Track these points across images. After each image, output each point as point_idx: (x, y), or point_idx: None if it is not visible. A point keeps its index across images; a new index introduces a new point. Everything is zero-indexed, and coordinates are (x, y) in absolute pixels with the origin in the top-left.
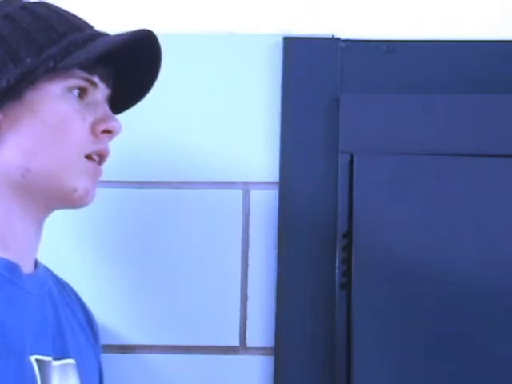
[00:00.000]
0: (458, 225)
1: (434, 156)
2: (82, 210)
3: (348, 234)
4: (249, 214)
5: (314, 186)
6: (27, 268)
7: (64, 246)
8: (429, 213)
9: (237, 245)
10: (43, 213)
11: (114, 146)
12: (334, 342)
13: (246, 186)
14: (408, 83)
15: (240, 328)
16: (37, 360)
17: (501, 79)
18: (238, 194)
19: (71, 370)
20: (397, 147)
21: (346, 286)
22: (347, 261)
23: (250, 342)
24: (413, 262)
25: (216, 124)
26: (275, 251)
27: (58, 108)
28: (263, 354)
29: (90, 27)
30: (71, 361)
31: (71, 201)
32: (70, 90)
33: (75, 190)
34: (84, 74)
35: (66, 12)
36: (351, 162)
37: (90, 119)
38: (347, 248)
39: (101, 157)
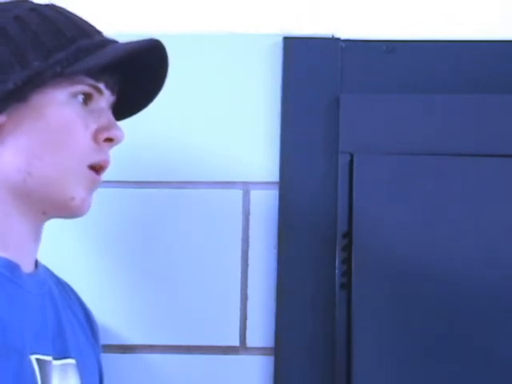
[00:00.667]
0: (457, 225)
1: (433, 156)
2: None
3: (348, 234)
4: (249, 214)
5: (314, 186)
6: (27, 268)
7: (64, 246)
8: (429, 213)
9: (237, 245)
10: (41, 218)
11: (114, 146)
12: (333, 342)
13: (246, 186)
14: (408, 83)
15: (240, 328)
16: (37, 359)
17: (501, 79)
18: (237, 194)
19: (71, 370)
20: (397, 147)
21: (346, 285)
22: (347, 261)
23: (250, 342)
24: (413, 261)
25: (216, 124)
26: (275, 251)
27: (62, 113)
28: (263, 354)
29: (99, 33)
30: (71, 360)
31: (68, 209)
32: (75, 95)
33: (73, 198)
34: (90, 81)
35: (75, 16)
36: (351, 161)
37: (93, 126)
38: (347, 248)
39: (101, 168)
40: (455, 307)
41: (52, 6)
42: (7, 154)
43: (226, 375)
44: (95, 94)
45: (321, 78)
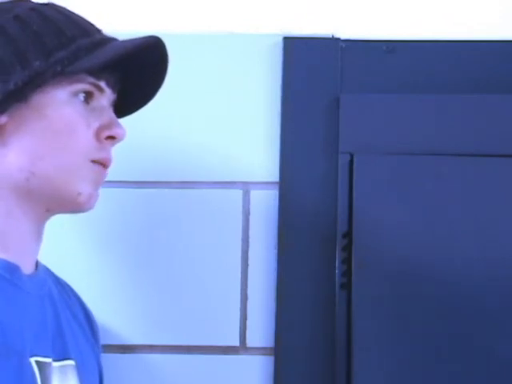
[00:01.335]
0: (457, 225)
1: (433, 156)
2: None
3: (348, 234)
4: (249, 214)
5: (314, 186)
6: (27, 269)
7: (64, 246)
8: (429, 213)
9: (237, 245)
10: (44, 216)
11: (114, 146)
12: (333, 342)
13: (246, 186)
14: (408, 83)
15: (240, 328)
16: (37, 361)
17: (501, 79)
18: (237, 194)
19: (71, 371)
20: (397, 147)
21: (346, 285)
22: (347, 261)
23: (250, 342)
24: (413, 261)
25: (216, 124)
26: (275, 251)
27: (64, 112)
28: (263, 354)
29: (99, 31)
30: (71, 362)
31: (75, 205)
32: (76, 94)
33: (79, 194)
34: (91, 79)
35: (75, 15)
36: (351, 161)
37: (94, 125)
38: (347, 248)
39: (103, 165)
40: (455, 307)
41: (52, 5)
42: (10, 154)
43: (225, 375)
44: (96, 93)
45: (321, 78)
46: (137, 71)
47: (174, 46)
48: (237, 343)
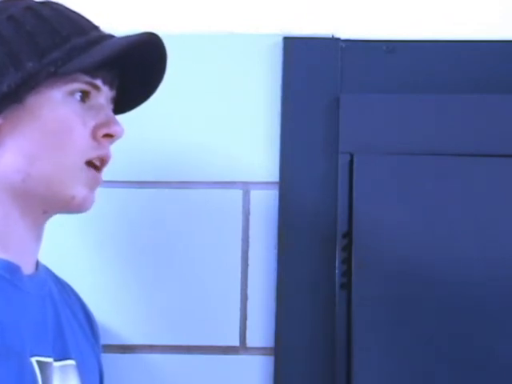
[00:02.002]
0: (457, 225)
1: (433, 156)
2: None
3: (348, 234)
4: (249, 214)
5: (314, 186)
6: (28, 269)
7: (64, 246)
8: (429, 213)
9: (237, 245)
10: (42, 217)
11: (114, 146)
12: (333, 342)
13: (246, 186)
14: (408, 83)
15: (240, 328)
16: (38, 361)
17: (501, 79)
18: (237, 194)
19: (72, 371)
20: (397, 147)
21: (346, 286)
22: (347, 261)
23: (250, 342)
24: (413, 261)
25: (216, 124)
26: (275, 251)
27: (59, 112)
28: (263, 354)
29: (96, 28)
30: (72, 362)
31: (69, 208)
32: (72, 93)
33: (73, 197)
34: (86, 78)
35: (72, 12)
36: (351, 161)
37: (91, 123)
38: (347, 248)
39: (102, 162)
40: (455, 307)
41: (48, 3)
42: (6, 155)
43: (226, 375)
44: (92, 91)
45: (321, 78)
46: (135, 67)
47: (174, 45)
48: (237, 343)
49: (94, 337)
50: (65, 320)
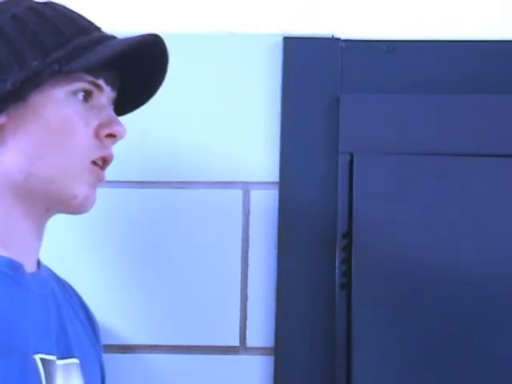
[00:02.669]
0: (457, 225)
1: (433, 156)
2: None
3: (348, 234)
4: (249, 214)
5: (314, 186)
6: (30, 267)
7: (64, 246)
8: (429, 213)
9: (237, 245)
10: (44, 216)
11: (114, 146)
12: (333, 342)
13: (246, 186)
14: (408, 83)
15: (240, 328)
16: (41, 359)
17: (501, 79)
18: (237, 194)
19: (75, 370)
20: (397, 147)
21: (346, 285)
22: (347, 261)
23: (250, 342)
24: (413, 261)
25: (216, 124)
26: (275, 251)
27: (62, 112)
28: (263, 354)
29: (98, 29)
30: (75, 360)
31: (71, 207)
32: (75, 93)
33: (76, 196)
34: (89, 78)
35: (74, 13)
36: (351, 161)
37: (94, 123)
38: (347, 248)
39: (105, 162)
40: (455, 307)
41: (50, 4)
42: (8, 154)
43: (226, 375)
44: (95, 91)
45: (321, 78)
46: (137, 69)
47: (174, 46)
48: (237, 343)
49: (95, 336)
50: (67, 319)
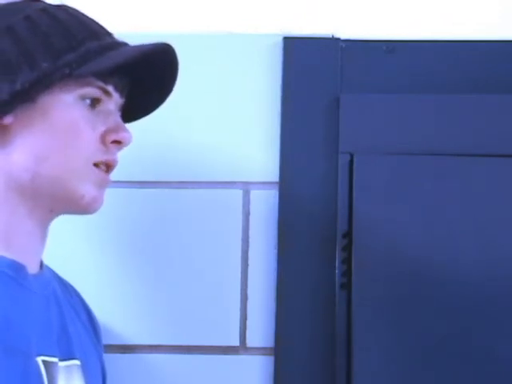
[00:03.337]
0: (457, 225)
1: (433, 156)
2: None
3: (348, 234)
4: (249, 214)
5: (314, 186)
6: (32, 268)
7: (64, 247)
8: (428, 213)
9: (237, 245)
10: (48, 216)
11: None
12: (334, 342)
13: (246, 186)
14: (408, 83)
15: (240, 328)
16: (43, 361)
17: (501, 79)
18: (237, 194)
19: (76, 371)
20: (397, 147)
21: (346, 285)
22: (347, 261)
23: (249, 342)
24: (413, 261)
25: (216, 124)
26: (275, 251)
27: (70, 115)
28: (263, 354)
29: (110, 35)
30: (76, 361)
31: (79, 207)
32: (83, 98)
33: (82, 196)
34: (99, 83)
35: (87, 17)
36: (351, 161)
37: (100, 128)
38: (347, 248)
39: (108, 167)
40: (455, 307)
41: (64, 7)
42: (15, 153)
43: (226, 375)
44: (103, 97)
45: (321, 78)
46: (147, 77)
47: (174, 46)
48: (237, 343)
49: (96, 337)
50: (69, 320)
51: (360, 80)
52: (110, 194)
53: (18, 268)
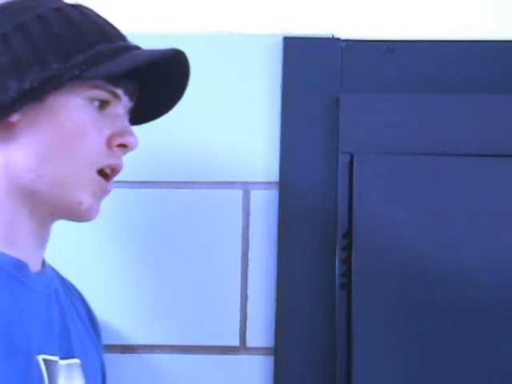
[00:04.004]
0: (457, 225)
1: (434, 156)
2: None
3: (348, 234)
4: (249, 214)
5: (314, 185)
6: (34, 267)
7: (64, 246)
8: (429, 213)
9: (237, 245)
10: (49, 219)
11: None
12: (334, 342)
13: (246, 186)
14: (408, 83)
15: (240, 328)
16: (44, 360)
17: (500, 79)
18: (237, 194)
19: (76, 370)
20: (397, 147)
21: (346, 286)
22: (347, 261)
23: (249, 342)
24: (413, 261)
25: (216, 124)
26: (275, 251)
27: (77, 117)
28: (263, 354)
29: (123, 38)
30: (76, 360)
31: (75, 214)
32: (92, 100)
33: (80, 203)
34: (109, 86)
35: (101, 18)
36: (351, 162)
37: (107, 132)
38: (347, 248)
39: (113, 171)
40: (455, 307)
41: (78, 7)
42: (19, 152)
43: (226, 375)
44: (112, 100)
45: (321, 78)
46: (157, 82)
47: (174, 46)
48: (237, 343)
49: (96, 336)
50: (70, 319)
51: (360, 80)
52: (110, 194)
53: (19, 266)
